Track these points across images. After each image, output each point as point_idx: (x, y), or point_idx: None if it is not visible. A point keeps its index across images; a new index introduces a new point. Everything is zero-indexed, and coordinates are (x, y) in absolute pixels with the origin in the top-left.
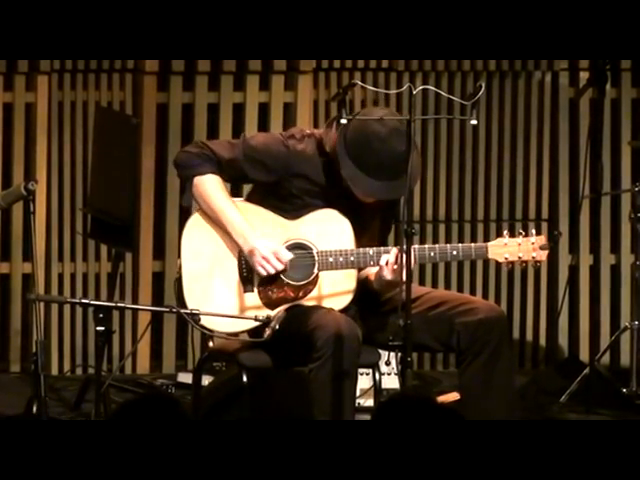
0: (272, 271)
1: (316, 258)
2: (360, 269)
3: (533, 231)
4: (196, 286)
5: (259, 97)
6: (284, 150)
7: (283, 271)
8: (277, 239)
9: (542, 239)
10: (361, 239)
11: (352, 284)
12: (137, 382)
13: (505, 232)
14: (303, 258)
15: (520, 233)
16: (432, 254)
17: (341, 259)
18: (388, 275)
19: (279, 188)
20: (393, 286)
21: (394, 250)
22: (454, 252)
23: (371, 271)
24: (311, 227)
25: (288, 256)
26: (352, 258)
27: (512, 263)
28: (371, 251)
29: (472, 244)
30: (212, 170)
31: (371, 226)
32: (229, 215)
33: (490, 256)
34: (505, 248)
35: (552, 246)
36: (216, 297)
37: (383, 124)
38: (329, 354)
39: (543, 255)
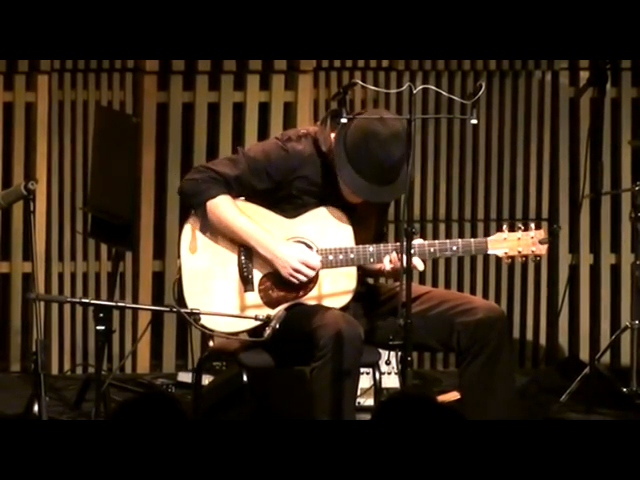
0: (304, 279)
1: None
2: (360, 266)
3: (532, 225)
4: (196, 286)
5: (259, 96)
6: (284, 154)
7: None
8: (277, 238)
9: (541, 233)
10: (358, 236)
11: (352, 283)
12: (137, 381)
13: (504, 226)
14: None
15: (519, 227)
16: (432, 250)
17: (341, 257)
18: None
19: (278, 190)
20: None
21: (394, 254)
22: (454, 247)
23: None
24: (310, 225)
25: (317, 260)
26: (352, 255)
27: (512, 257)
28: (371, 248)
29: (472, 239)
30: (222, 191)
31: (367, 223)
32: (250, 232)
33: (490, 251)
34: (505, 243)
35: (552, 240)
36: (216, 297)
37: (385, 125)
38: (332, 353)
39: (543, 249)
